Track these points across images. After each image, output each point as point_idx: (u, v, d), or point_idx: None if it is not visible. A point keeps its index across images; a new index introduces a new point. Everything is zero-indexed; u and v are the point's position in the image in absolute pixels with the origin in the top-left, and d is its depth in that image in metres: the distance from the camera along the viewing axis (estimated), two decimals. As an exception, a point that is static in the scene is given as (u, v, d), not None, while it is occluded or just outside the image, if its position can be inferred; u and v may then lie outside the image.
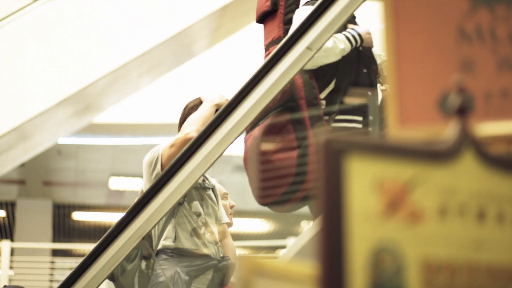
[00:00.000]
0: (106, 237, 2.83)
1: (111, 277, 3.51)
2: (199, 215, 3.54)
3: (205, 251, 3.49)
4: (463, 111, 0.88)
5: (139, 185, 13.85)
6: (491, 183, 0.87)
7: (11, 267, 10.83)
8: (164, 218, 3.28)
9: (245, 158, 3.43)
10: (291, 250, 2.87)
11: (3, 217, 14.20)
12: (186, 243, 3.49)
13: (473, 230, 0.86)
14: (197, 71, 9.86)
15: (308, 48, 2.81)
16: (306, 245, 2.74)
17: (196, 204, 3.55)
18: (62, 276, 10.44)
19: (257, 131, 3.33)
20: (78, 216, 14.81)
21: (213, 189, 3.69)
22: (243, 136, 3.29)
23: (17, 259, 11.06)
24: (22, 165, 10.68)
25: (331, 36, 2.90)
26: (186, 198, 3.49)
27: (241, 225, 13.55)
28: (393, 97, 1.09)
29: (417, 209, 0.84)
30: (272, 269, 0.89)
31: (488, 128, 1.02)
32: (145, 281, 3.52)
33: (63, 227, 14.87)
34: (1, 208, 13.99)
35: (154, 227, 2.99)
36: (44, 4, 7.63)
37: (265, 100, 2.84)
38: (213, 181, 3.74)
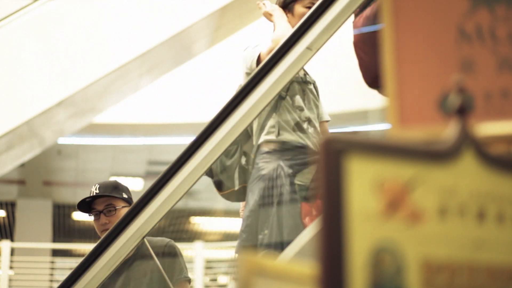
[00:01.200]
0: (106, 237, 2.83)
1: (209, 173, 3.40)
2: (301, 109, 3.42)
3: (309, 145, 3.37)
4: (463, 111, 0.88)
5: (139, 185, 13.81)
6: (491, 183, 0.87)
7: (11, 267, 10.83)
8: (265, 112, 3.17)
9: (356, 41, 3.24)
10: (291, 250, 2.87)
11: (3, 217, 14.20)
12: (289, 136, 3.37)
13: (473, 230, 0.86)
14: (197, 71, 9.86)
15: (308, 48, 2.81)
16: (306, 245, 2.73)
17: (298, 99, 3.43)
18: (62, 276, 10.44)
19: (369, 10, 3.17)
20: (78, 216, 14.81)
21: (314, 84, 3.57)
22: (351, 19, 3.13)
23: (17, 259, 11.06)
24: (22, 165, 10.68)
25: (331, 36, 2.90)
26: (288, 92, 3.38)
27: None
28: (393, 97, 1.09)
29: (417, 209, 0.84)
30: (272, 269, 0.89)
31: (488, 128, 1.02)
32: (245, 177, 3.41)
33: (63, 227, 14.88)
34: (1, 208, 13.99)
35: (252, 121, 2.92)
36: (44, 4, 7.63)
37: (265, 100, 2.84)
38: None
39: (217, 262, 11.85)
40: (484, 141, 0.89)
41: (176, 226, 14.39)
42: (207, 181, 3.63)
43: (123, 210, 3.39)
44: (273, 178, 3.26)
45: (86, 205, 3.48)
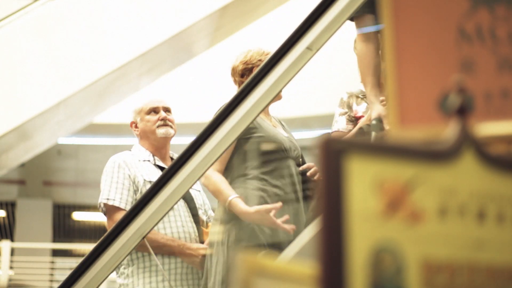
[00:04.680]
0: (106, 237, 2.83)
1: None
2: None
3: None
4: (463, 111, 0.88)
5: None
6: (491, 183, 0.87)
7: (11, 267, 10.83)
8: None
9: None
10: (291, 250, 2.87)
11: (3, 217, 14.21)
12: None
13: (473, 230, 0.86)
14: (197, 71, 9.85)
15: (308, 48, 2.80)
16: (306, 245, 2.73)
17: None
18: (62, 276, 10.44)
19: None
20: (78, 216, 14.81)
21: None
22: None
23: (17, 259, 11.06)
24: (22, 165, 10.68)
25: (331, 36, 2.89)
26: None
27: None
28: (393, 97, 1.09)
29: (417, 209, 0.84)
30: (272, 269, 0.89)
31: (488, 128, 1.02)
32: None
33: (63, 227, 14.88)
34: (1, 208, 14.00)
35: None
36: (44, 4, 7.63)
37: (265, 100, 2.84)
38: None
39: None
40: (484, 141, 0.89)
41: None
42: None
43: None
44: None
45: None
